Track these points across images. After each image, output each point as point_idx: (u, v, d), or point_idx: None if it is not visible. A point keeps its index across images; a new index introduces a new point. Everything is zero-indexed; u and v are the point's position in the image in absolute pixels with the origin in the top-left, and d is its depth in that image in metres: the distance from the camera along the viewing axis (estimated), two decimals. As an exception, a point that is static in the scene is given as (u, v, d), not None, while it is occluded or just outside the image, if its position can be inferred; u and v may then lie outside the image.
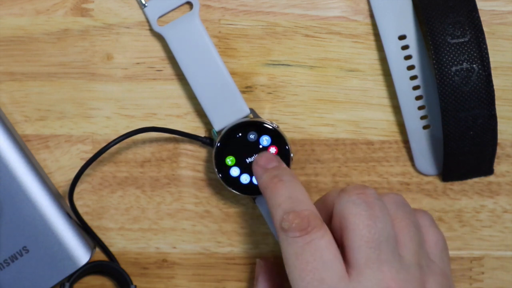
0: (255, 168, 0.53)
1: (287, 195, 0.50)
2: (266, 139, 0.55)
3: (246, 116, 0.56)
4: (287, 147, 0.55)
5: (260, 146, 0.55)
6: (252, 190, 0.56)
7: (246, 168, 0.55)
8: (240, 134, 0.55)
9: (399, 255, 0.49)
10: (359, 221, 0.48)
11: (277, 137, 0.55)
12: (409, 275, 0.49)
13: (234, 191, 0.56)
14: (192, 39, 0.56)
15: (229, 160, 0.55)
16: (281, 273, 0.55)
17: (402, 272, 0.48)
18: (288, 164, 0.55)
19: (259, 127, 0.55)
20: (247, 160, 0.55)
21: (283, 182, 0.51)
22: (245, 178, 0.55)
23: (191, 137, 0.56)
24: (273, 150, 0.55)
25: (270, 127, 0.55)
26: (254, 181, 0.55)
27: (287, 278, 0.49)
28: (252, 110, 0.56)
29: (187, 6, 0.57)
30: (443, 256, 0.52)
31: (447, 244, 0.53)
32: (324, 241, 0.48)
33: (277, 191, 0.50)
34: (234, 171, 0.55)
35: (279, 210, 0.49)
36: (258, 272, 0.56)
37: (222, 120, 0.56)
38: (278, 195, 0.50)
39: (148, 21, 0.57)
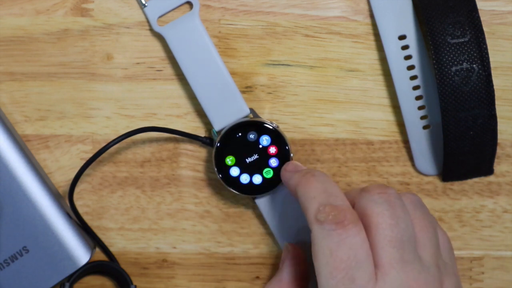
0: (284, 174, 0.53)
1: (322, 188, 0.49)
2: (266, 139, 0.55)
3: (246, 116, 0.56)
4: (287, 147, 0.55)
5: (260, 146, 0.55)
6: (252, 190, 0.56)
7: (246, 168, 0.55)
8: (240, 134, 0.55)
9: (419, 256, 0.49)
10: (382, 221, 0.48)
11: (277, 137, 0.55)
12: (429, 275, 0.49)
13: (234, 191, 0.56)
14: (192, 39, 0.56)
15: (229, 160, 0.55)
16: (307, 260, 0.55)
17: (423, 272, 0.48)
18: (288, 163, 0.55)
19: (259, 127, 0.55)
20: (247, 160, 0.55)
21: (316, 177, 0.50)
22: (245, 178, 0.55)
23: (191, 137, 0.56)
24: (273, 150, 0.55)
25: (270, 127, 0.55)
26: (254, 181, 0.55)
27: (313, 267, 0.49)
28: (252, 110, 0.56)
29: (187, 6, 0.57)
30: (451, 256, 0.53)
31: (450, 241, 0.53)
32: (359, 238, 0.48)
33: (311, 185, 0.50)
34: (234, 171, 0.55)
35: (314, 202, 0.49)
36: (285, 256, 0.55)
37: (222, 120, 0.56)
38: (313, 189, 0.49)
39: (148, 21, 0.57)
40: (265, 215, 0.57)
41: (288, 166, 0.54)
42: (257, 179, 0.55)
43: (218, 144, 0.55)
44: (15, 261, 0.55)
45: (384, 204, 0.49)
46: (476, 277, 0.59)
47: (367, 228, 0.49)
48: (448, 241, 0.53)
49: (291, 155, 0.55)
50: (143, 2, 0.56)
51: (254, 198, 0.57)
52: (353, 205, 0.50)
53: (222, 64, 0.56)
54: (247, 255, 0.59)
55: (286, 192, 0.56)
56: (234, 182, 0.55)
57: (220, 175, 0.55)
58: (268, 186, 0.55)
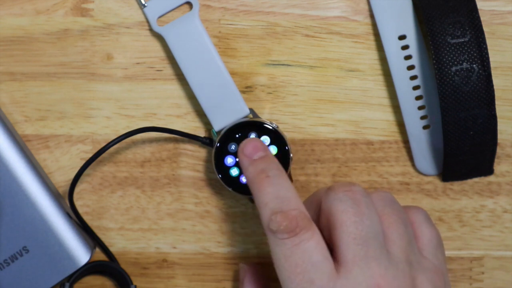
0: (240, 157, 0.52)
1: (275, 194, 0.49)
2: (265, 139, 0.55)
3: (246, 116, 0.56)
4: (286, 147, 0.55)
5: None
6: None
7: None
8: (239, 134, 0.55)
9: (388, 252, 0.49)
10: (346, 218, 0.48)
11: (277, 137, 0.55)
12: (398, 271, 0.48)
13: (233, 191, 0.56)
14: (191, 39, 0.56)
15: (229, 160, 0.55)
16: (266, 274, 0.55)
17: (390, 268, 0.48)
18: (288, 164, 0.55)
19: (258, 127, 0.55)
20: None
21: (270, 178, 0.50)
22: (244, 178, 0.55)
23: (191, 137, 0.56)
24: (273, 150, 0.55)
25: (270, 127, 0.55)
26: None
27: (274, 278, 0.49)
28: (251, 110, 0.56)
29: (186, 6, 0.57)
30: (437, 253, 0.52)
31: (442, 241, 0.53)
32: (313, 241, 0.48)
33: (264, 188, 0.49)
34: (234, 171, 0.55)
35: (267, 209, 0.49)
36: (243, 276, 0.55)
37: (221, 120, 0.56)
38: (265, 193, 0.49)
39: (147, 21, 0.57)
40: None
41: (245, 147, 0.52)
42: None
43: (218, 144, 0.55)
44: (15, 261, 0.55)
45: (349, 202, 0.49)
46: (476, 277, 0.59)
47: (332, 227, 0.49)
48: (436, 237, 0.52)
49: (291, 155, 0.55)
50: (143, 2, 0.56)
51: (253, 198, 0.57)
52: (320, 204, 0.50)
53: (222, 64, 0.56)
54: (247, 255, 0.59)
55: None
56: (234, 182, 0.55)
57: (220, 175, 0.55)
58: None
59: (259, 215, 0.49)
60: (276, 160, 0.51)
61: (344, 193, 0.49)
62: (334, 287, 0.47)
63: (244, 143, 0.52)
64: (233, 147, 0.55)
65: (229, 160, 0.55)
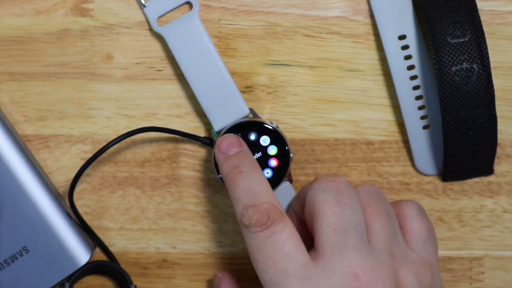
0: (216, 154, 0.53)
1: (246, 189, 0.50)
2: (265, 139, 0.55)
3: (246, 116, 0.56)
4: (286, 147, 0.55)
5: (260, 147, 0.55)
6: None
7: None
8: (239, 134, 0.55)
9: (369, 243, 0.49)
10: (327, 208, 0.49)
11: (277, 137, 0.55)
12: (378, 261, 0.49)
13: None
14: (191, 39, 0.56)
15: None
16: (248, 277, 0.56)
17: (370, 259, 0.48)
18: (288, 164, 0.55)
19: (259, 127, 0.55)
20: None
21: (242, 174, 0.51)
22: None
23: (191, 137, 0.56)
24: (273, 150, 0.55)
25: (270, 127, 0.55)
26: None
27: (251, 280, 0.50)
28: (251, 110, 0.56)
29: (186, 6, 0.57)
30: (426, 246, 0.52)
31: (434, 234, 0.53)
32: (284, 233, 0.49)
33: (236, 183, 0.51)
34: (234, 171, 0.55)
35: (239, 205, 0.50)
36: (218, 284, 0.56)
37: (221, 120, 0.56)
38: (238, 189, 0.51)
39: (147, 21, 0.57)
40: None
41: (221, 143, 0.53)
42: None
43: (218, 144, 0.55)
44: (15, 261, 0.55)
45: (331, 192, 0.50)
46: (476, 277, 0.59)
47: (313, 216, 0.49)
48: (426, 230, 0.52)
49: (291, 155, 0.55)
50: (143, 2, 0.56)
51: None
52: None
53: (222, 64, 0.56)
54: (247, 255, 0.58)
55: (285, 190, 0.56)
56: None
57: (220, 176, 0.55)
58: None
59: (234, 211, 0.50)
60: (250, 155, 0.53)
61: (327, 183, 0.50)
62: (309, 276, 0.48)
63: (220, 139, 0.53)
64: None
65: None
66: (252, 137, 0.55)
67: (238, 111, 0.56)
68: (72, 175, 0.57)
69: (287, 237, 0.49)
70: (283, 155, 0.55)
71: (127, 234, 0.58)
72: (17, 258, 0.55)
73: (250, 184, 0.51)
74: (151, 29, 0.57)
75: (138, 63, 0.57)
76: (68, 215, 0.56)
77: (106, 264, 0.58)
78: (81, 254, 0.56)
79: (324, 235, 0.49)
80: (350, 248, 0.48)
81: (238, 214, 0.50)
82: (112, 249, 0.58)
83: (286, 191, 0.56)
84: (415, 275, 0.50)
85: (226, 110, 0.56)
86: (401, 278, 0.49)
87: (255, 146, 0.55)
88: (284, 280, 0.48)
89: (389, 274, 0.49)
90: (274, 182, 0.55)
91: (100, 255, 0.58)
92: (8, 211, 0.55)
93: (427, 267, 0.51)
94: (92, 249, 0.57)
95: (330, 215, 0.49)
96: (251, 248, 0.49)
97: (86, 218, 0.58)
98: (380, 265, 0.49)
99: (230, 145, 0.53)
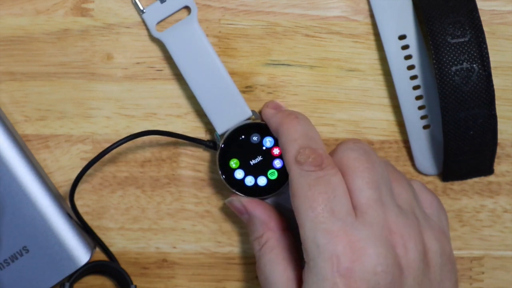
0: (266, 111, 0.55)
1: (304, 132, 0.51)
2: (269, 140, 0.55)
3: (249, 118, 0.56)
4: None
5: (264, 148, 0.55)
6: (257, 192, 0.55)
7: (251, 170, 0.55)
8: (243, 137, 0.55)
9: (397, 203, 0.50)
10: (359, 164, 0.50)
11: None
12: (407, 220, 0.50)
13: (239, 193, 0.55)
14: (191, 44, 0.55)
15: (233, 163, 0.55)
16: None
17: (400, 216, 0.50)
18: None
19: (261, 129, 0.55)
20: (251, 162, 0.55)
21: (299, 119, 0.52)
22: (249, 180, 0.55)
23: (195, 141, 0.56)
24: (276, 151, 0.55)
25: (273, 128, 0.55)
26: (259, 183, 0.55)
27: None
28: (254, 112, 0.56)
29: (185, 11, 0.57)
30: (440, 215, 0.54)
31: (443, 206, 0.54)
32: (337, 177, 0.50)
33: (293, 126, 0.52)
34: (239, 174, 0.55)
35: (295, 144, 0.51)
36: (245, 206, 0.55)
37: (224, 123, 0.56)
38: (295, 131, 0.51)
39: (146, 27, 0.57)
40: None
41: (270, 103, 0.56)
42: (262, 181, 0.55)
43: (222, 147, 0.55)
44: (15, 261, 0.55)
45: (360, 150, 0.51)
46: (476, 277, 0.59)
47: (345, 174, 0.50)
48: (437, 201, 0.54)
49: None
50: (141, 8, 0.56)
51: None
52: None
53: (223, 68, 0.56)
54: (247, 255, 0.59)
55: (289, 192, 0.56)
56: (239, 184, 0.55)
57: (225, 178, 0.55)
58: (273, 187, 0.55)
59: (283, 152, 0.51)
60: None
61: (355, 144, 0.52)
62: (352, 222, 0.49)
63: (267, 102, 0.56)
64: (237, 149, 0.55)
65: (234, 162, 0.55)
66: (255, 138, 0.55)
67: (240, 114, 0.56)
68: (72, 175, 0.57)
69: (338, 181, 0.50)
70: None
71: (127, 234, 0.58)
72: (17, 258, 0.55)
73: (307, 129, 0.52)
74: (148, 31, 0.57)
75: (138, 63, 0.57)
76: (68, 215, 0.56)
77: (106, 264, 0.58)
78: (81, 254, 0.56)
79: (359, 189, 0.50)
80: (384, 203, 0.50)
81: (292, 152, 0.51)
82: (112, 249, 0.58)
83: (289, 192, 0.56)
84: (438, 241, 0.51)
85: (229, 113, 0.56)
86: (425, 242, 0.50)
87: (259, 148, 0.55)
88: (329, 220, 0.49)
89: (417, 234, 0.50)
90: (279, 182, 0.55)
91: (100, 255, 0.58)
92: (8, 211, 0.55)
93: (445, 235, 0.52)
94: (92, 249, 0.57)
95: (363, 169, 0.50)
96: (300, 184, 0.50)
97: (86, 218, 0.58)
98: (409, 224, 0.50)
99: (279, 106, 0.56)
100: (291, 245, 0.53)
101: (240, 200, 0.55)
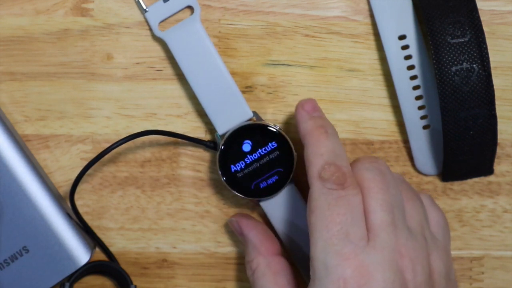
0: (299, 111, 0.54)
1: (331, 148, 0.51)
2: (270, 142, 0.55)
3: (249, 119, 0.56)
4: (291, 149, 0.55)
5: (264, 149, 0.55)
6: (257, 193, 0.55)
7: (251, 171, 0.55)
8: (243, 137, 0.55)
9: (407, 225, 0.51)
10: (373, 185, 0.50)
11: (281, 140, 0.55)
12: (416, 243, 0.50)
13: (239, 194, 0.55)
14: (194, 44, 0.55)
15: (234, 164, 0.55)
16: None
17: (410, 239, 0.50)
18: (292, 166, 0.55)
19: (262, 130, 0.55)
20: (251, 163, 0.55)
21: (328, 134, 0.52)
22: (250, 181, 0.55)
23: (195, 141, 0.56)
24: (277, 152, 0.55)
25: (274, 130, 0.55)
26: (260, 184, 0.55)
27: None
28: (255, 113, 0.56)
29: (188, 10, 0.57)
30: (445, 234, 0.54)
31: (447, 223, 0.54)
32: (357, 199, 0.49)
33: (321, 140, 0.51)
34: (239, 175, 0.55)
35: (320, 159, 0.50)
36: (237, 228, 0.56)
37: (225, 124, 0.56)
38: (322, 145, 0.51)
39: (149, 26, 0.57)
40: (270, 218, 0.57)
41: (306, 104, 0.54)
42: (262, 182, 0.55)
43: (222, 148, 0.55)
44: (15, 261, 0.55)
45: (375, 171, 0.51)
46: (476, 277, 0.59)
47: None
48: (443, 218, 0.54)
49: (295, 153, 0.55)
50: (144, 7, 0.56)
51: (259, 201, 0.57)
52: None
53: (225, 68, 0.56)
54: (247, 255, 0.59)
55: (290, 193, 0.56)
56: (239, 185, 0.55)
57: (225, 179, 0.55)
58: (274, 188, 0.55)
59: (307, 164, 0.51)
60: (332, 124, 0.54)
61: (371, 163, 0.51)
62: (363, 246, 0.48)
63: (304, 100, 0.54)
64: (237, 150, 0.55)
65: (234, 163, 0.55)
66: (256, 139, 0.55)
67: (241, 114, 0.56)
68: (72, 175, 0.57)
69: (358, 203, 0.49)
70: (287, 157, 0.55)
71: (127, 234, 0.58)
72: (17, 258, 0.55)
73: (334, 145, 0.51)
74: (151, 30, 0.57)
75: (138, 63, 0.57)
76: (68, 215, 0.56)
77: (106, 264, 0.58)
78: (81, 254, 0.56)
79: (373, 210, 0.50)
80: (396, 226, 0.49)
81: (316, 167, 0.50)
82: (112, 249, 0.58)
83: (291, 193, 0.56)
84: (442, 261, 0.51)
85: (230, 114, 0.56)
86: (431, 263, 0.51)
87: (259, 149, 0.55)
88: (343, 242, 0.48)
89: (425, 257, 0.50)
90: (280, 184, 0.55)
91: (100, 255, 0.58)
92: (8, 211, 0.55)
93: (449, 254, 0.53)
94: (92, 249, 0.57)
95: (377, 191, 0.50)
96: (320, 202, 0.49)
97: (86, 218, 0.58)
98: (418, 247, 0.50)
99: (314, 108, 0.54)
100: (283, 270, 0.54)
101: (237, 221, 0.56)
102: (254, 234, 0.55)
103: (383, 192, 0.50)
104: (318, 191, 0.50)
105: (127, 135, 0.55)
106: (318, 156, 0.51)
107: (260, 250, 0.55)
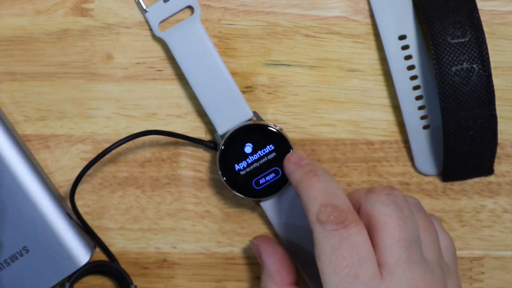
0: (287, 165, 0.53)
1: (324, 189, 0.50)
2: (270, 142, 0.55)
3: (250, 119, 0.56)
4: (291, 150, 0.55)
5: (264, 149, 0.55)
6: (257, 193, 0.55)
7: (251, 171, 0.55)
8: (244, 137, 0.55)
9: (424, 256, 0.49)
10: (390, 221, 0.49)
11: (281, 140, 0.55)
12: (435, 276, 0.49)
13: (239, 194, 0.55)
14: (194, 44, 0.55)
15: (234, 164, 0.55)
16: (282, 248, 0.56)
17: (428, 272, 0.49)
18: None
19: (262, 130, 0.55)
20: (252, 163, 0.55)
21: (319, 176, 0.50)
22: (250, 181, 0.55)
23: (195, 141, 0.56)
24: (277, 152, 0.55)
25: (274, 130, 0.55)
26: (260, 184, 0.55)
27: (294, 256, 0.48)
28: (255, 113, 0.56)
29: (188, 10, 0.57)
30: (454, 259, 0.53)
31: (455, 246, 0.54)
32: (361, 237, 0.48)
33: (313, 184, 0.50)
34: (239, 175, 0.55)
35: (316, 202, 0.49)
36: (257, 250, 0.55)
37: (225, 124, 0.56)
38: (314, 189, 0.50)
39: (149, 26, 0.57)
40: (270, 218, 0.57)
41: (292, 157, 0.53)
42: (262, 182, 0.55)
43: (223, 148, 0.55)
44: (15, 261, 0.55)
45: (392, 205, 0.49)
46: (476, 277, 0.59)
47: (374, 229, 0.49)
48: (452, 244, 0.53)
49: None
50: (144, 7, 0.56)
51: (259, 201, 0.57)
52: (358, 206, 0.51)
53: (225, 68, 0.56)
54: (247, 255, 0.59)
55: (290, 193, 0.56)
56: (240, 185, 0.55)
57: (225, 179, 0.55)
58: (273, 188, 0.55)
59: (306, 211, 0.49)
60: (321, 165, 0.52)
61: (387, 196, 0.50)
62: (377, 286, 0.47)
63: (290, 154, 0.53)
64: (237, 150, 0.55)
65: (234, 163, 0.55)
66: (256, 139, 0.55)
67: (241, 115, 0.56)
68: (72, 175, 0.57)
69: (363, 241, 0.48)
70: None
71: (127, 234, 0.58)
72: (17, 258, 0.55)
73: (327, 185, 0.50)
74: (151, 30, 0.57)
75: (138, 63, 0.57)
76: (68, 215, 0.56)
77: (106, 264, 0.58)
78: (81, 254, 0.56)
79: (389, 247, 0.48)
80: (413, 261, 0.48)
81: (313, 212, 0.49)
82: (112, 249, 0.58)
83: (291, 193, 0.56)
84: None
85: (230, 114, 0.56)
86: None
87: (259, 149, 0.55)
88: (353, 286, 0.47)
89: (442, 287, 0.49)
90: (280, 184, 0.55)
91: (100, 255, 0.58)
92: (8, 211, 0.55)
93: (459, 279, 0.52)
94: (92, 249, 0.57)
95: (393, 227, 0.48)
96: (324, 247, 0.48)
97: (86, 218, 0.58)
98: (437, 279, 0.49)
99: (301, 158, 0.53)
100: None
101: (258, 244, 0.55)
102: (272, 262, 0.54)
103: (400, 229, 0.48)
104: (320, 235, 0.48)
105: (127, 135, 0.55)
106: (313, 200, 0.49)
107: (274, 280, 0.54)
